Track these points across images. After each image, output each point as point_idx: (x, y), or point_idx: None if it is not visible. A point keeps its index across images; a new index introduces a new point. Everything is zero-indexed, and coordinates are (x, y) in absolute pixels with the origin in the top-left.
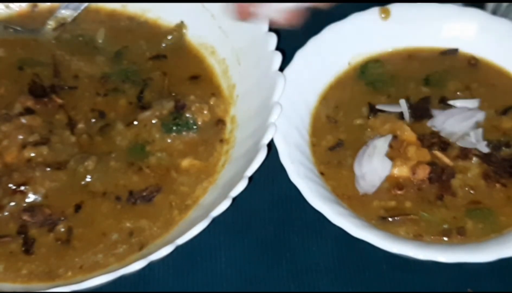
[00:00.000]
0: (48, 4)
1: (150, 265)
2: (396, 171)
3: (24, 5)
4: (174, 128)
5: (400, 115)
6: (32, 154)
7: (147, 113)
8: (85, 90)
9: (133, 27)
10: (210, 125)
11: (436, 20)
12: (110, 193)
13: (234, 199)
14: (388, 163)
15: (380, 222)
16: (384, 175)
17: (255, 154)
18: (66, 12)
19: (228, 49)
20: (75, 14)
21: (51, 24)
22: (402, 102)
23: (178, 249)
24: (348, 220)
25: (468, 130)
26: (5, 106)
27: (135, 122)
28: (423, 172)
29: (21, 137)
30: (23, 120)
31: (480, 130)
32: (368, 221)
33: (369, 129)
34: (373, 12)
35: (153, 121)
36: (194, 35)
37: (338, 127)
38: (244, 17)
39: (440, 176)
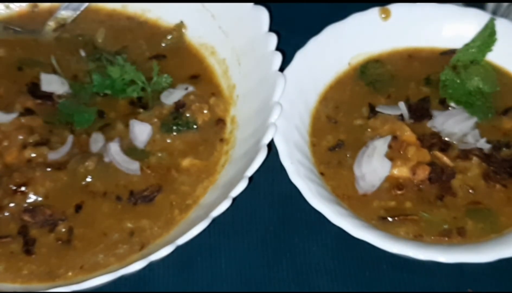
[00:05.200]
0: (48, 4)
1: (150, 265)
2: (396, 172)
3: (24, 5)
4: (174, 127)
5: (400, 116)
6: (33, 155)
7: (147, 113)
8: None
9: (133, 27)
10: (210, 124)
11: (436, 20)
12: (110, 193)
13: (234, 199)
14: (387, 163)
15: (380, 222)
16: (384, 176)
17: (255, 154)
18: (66, 12)
19: (228, 49)
20: (75, 15)
21: (51, 24)
22: (401, 104)
23: (178, 249)
24: (348, 220)
25: (468, 131)
26: (5, 106)
27: None
28: (423, 173)
29: (21, 137)
30: (23, 121)
31: (476, 131)
32: (368, 221)
33: (369, 130)
34: (373, 12)
35: (153, 121)
36: (194, 35)
37: (338, 127)
38: None
39: (440, 177)
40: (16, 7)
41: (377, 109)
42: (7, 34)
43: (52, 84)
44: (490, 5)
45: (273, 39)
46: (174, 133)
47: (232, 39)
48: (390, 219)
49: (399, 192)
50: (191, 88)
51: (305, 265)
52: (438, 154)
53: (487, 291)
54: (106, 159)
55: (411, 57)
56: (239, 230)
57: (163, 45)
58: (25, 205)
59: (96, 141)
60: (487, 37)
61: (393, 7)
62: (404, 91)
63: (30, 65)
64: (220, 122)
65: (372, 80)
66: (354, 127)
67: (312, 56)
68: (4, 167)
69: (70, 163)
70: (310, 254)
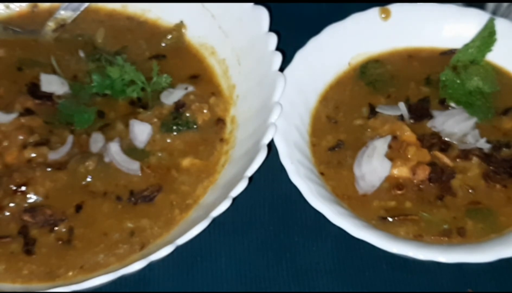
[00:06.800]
0: (48, 4)
1: (150, 265)
2: (396, 172)
3: (24, 5)
4: (174, 127)
5: (400, 116)
6: (33, 155)
7: (147, 113)
8: None
9: (133, 26)
10: (210, 124)
11: (436, 20)
12: (111, 193)
13: (234, 199)
14: (387, 163)
15: (380, 222)
16: (384, 176)
17: (255, 154)
18: (66, 13)
19: (228, 49)
20: (75, 15)
21: (50, 25)
22: (401, 105)
23: (178, 249)
24: (348, 220)
25: (468, 131)
26: (5, 106)
27: None
28: (423, 173)
29: (21, 137)
30: (23, 121)
31: (476, 131)
32: (368, 221)
33: (369, 130)
34: (373, 12)
35: (153, 121)
36: (194, 35)
37: (338, 127)
38: None
39: (440, 177)
40: (16, 7)
41: (377, 109)
42: (7, 35)
43: (52, 84)
44: (490, 5)
45: (273, 39)
46: (174, 133)
47: (232, 39)
48: (390, 219)
49: (399, 192)
50: (191, 88)
51: (305, 265)
52: (438, 154)
53: (487, 291)
54: (106, 159)
55: (411, 57)
56: (239, 230)
57: (163, 45)
58: (25, 205)
59: (96, 141)
60: (487, 37)
61: (393, 7)
62: (404, 91)
63: (30, 65)
64: (220, 122)
65: (372, 80)
66: (354, 127)
67: (312, 56)
68: (4, 167)
69: (70, 163)
70: (310, 254)
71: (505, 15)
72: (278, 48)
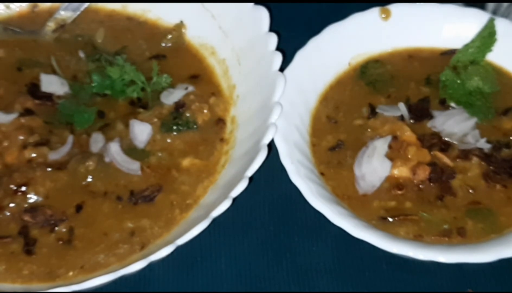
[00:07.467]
0: (48, 4)
1: (151, 265)
2: (396, 172)
3: (24, 5)
4: (174, 127)
5: (401, 116)
6: (33, 155)
7: (147, 113)
8: None
9: (133, 27)
10: (210, 124)
11: (436, 20)
12: (111, 193)
13: (234, 199)
14: (387, 163)
15: (380, 222)
16: (384, 176)
17: (255, 154)
18: (66, 13)
19: (228, 49)
20: (75, 15)
21: (50, 25)
22: (401, 105)
23: (178, 249)
24: (348, 220)
25: (468, 131)
26: (5, 106)
27: None
28: (423, 173)
29: (21, 137)
30: (23, 121)
31: (476, 131)
32: (368, 221)
33: (369, 130)
34: (373, 12)
35: (153, 121)
36: (194, 35)
37: (338, 127)
38: None
39: (440, 177)
40: (16, 7)
41: (377, 109)
42: (7, 35)
43: (52, 84)
44: (490, 5)
45: (273, 39)
46: (174, 133)
47: (232, 39)
48: (390, 219)
49: (399, 192)
50: (191, 88)
51: (305, 265)
52: (438, 154)
53: (487, 291)
54: (107, 159)
55: (411, 57)
56: (239, 230)
57: (163, 45)
58: (26, 205)
59: (96, 141)
60: (487, 37)
61: (393, 7)
62: (404, 91)
63: (29, 65)
64: (220, 122)
65: (372, 80)
66: (354, 127)
67: (312, 56)
68: (5, 167)
69: (70, 163)
70: (310, 254)
71: (505, 15)
72: (278, 48)
